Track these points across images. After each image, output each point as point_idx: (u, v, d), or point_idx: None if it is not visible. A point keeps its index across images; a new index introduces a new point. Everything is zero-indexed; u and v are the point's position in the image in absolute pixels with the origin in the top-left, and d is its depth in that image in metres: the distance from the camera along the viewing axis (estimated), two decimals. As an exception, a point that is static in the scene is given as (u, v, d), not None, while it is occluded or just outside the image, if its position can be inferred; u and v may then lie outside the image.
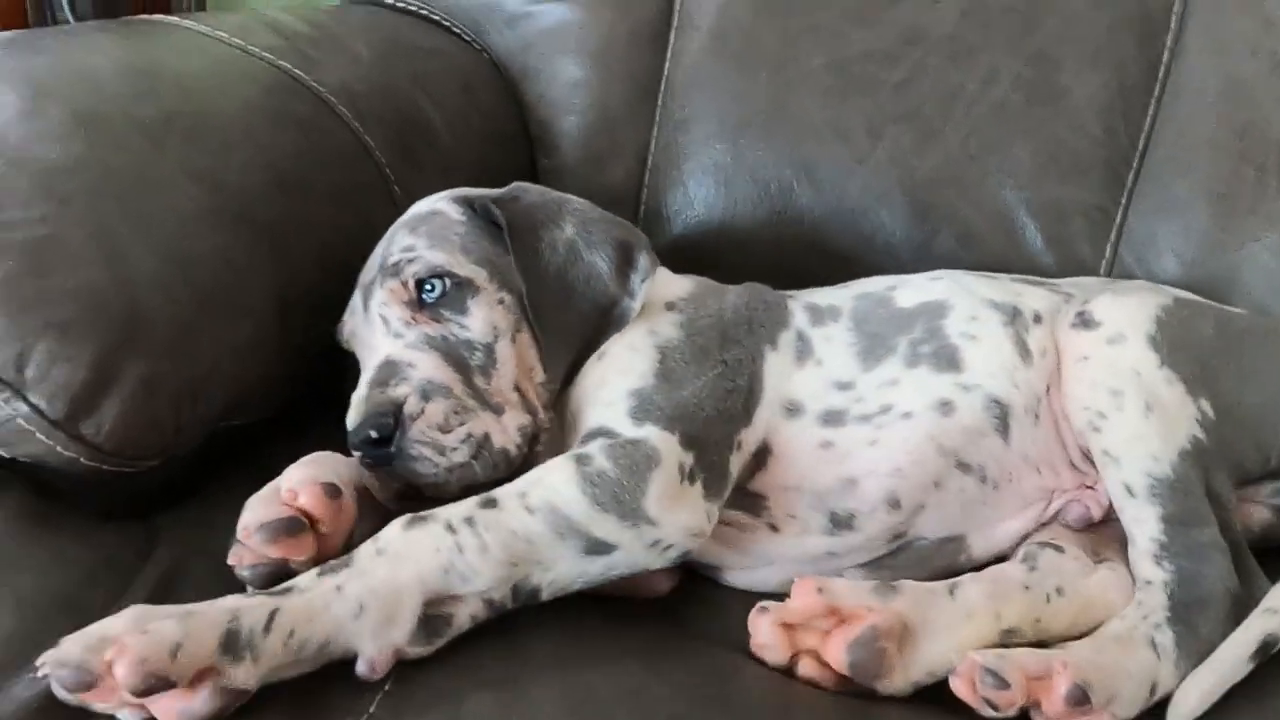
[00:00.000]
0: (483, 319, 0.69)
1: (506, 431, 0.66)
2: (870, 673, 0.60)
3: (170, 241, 0.65)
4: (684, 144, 1.03)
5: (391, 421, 0.61)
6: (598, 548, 0.61)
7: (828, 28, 1.00)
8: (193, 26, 0.87)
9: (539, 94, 1.07)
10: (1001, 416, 0.74)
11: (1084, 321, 0.74)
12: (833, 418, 0.73)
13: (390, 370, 0.64)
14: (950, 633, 0.62)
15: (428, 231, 0.72)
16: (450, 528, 0.58)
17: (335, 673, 0.55)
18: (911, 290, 0.81)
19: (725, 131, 1.01)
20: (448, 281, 0.69)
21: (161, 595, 0.59)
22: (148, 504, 0.67)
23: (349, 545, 0.59)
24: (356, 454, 0.62)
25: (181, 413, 0.63)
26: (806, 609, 0.61)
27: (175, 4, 1.41)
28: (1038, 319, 0.77)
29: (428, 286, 0.69)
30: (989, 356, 0.75)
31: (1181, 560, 0.67)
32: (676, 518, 0.63)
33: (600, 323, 0.72)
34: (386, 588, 0.55)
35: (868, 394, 0.75)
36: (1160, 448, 0.69)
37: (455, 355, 0.67)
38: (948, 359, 0.75)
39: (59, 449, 0.59)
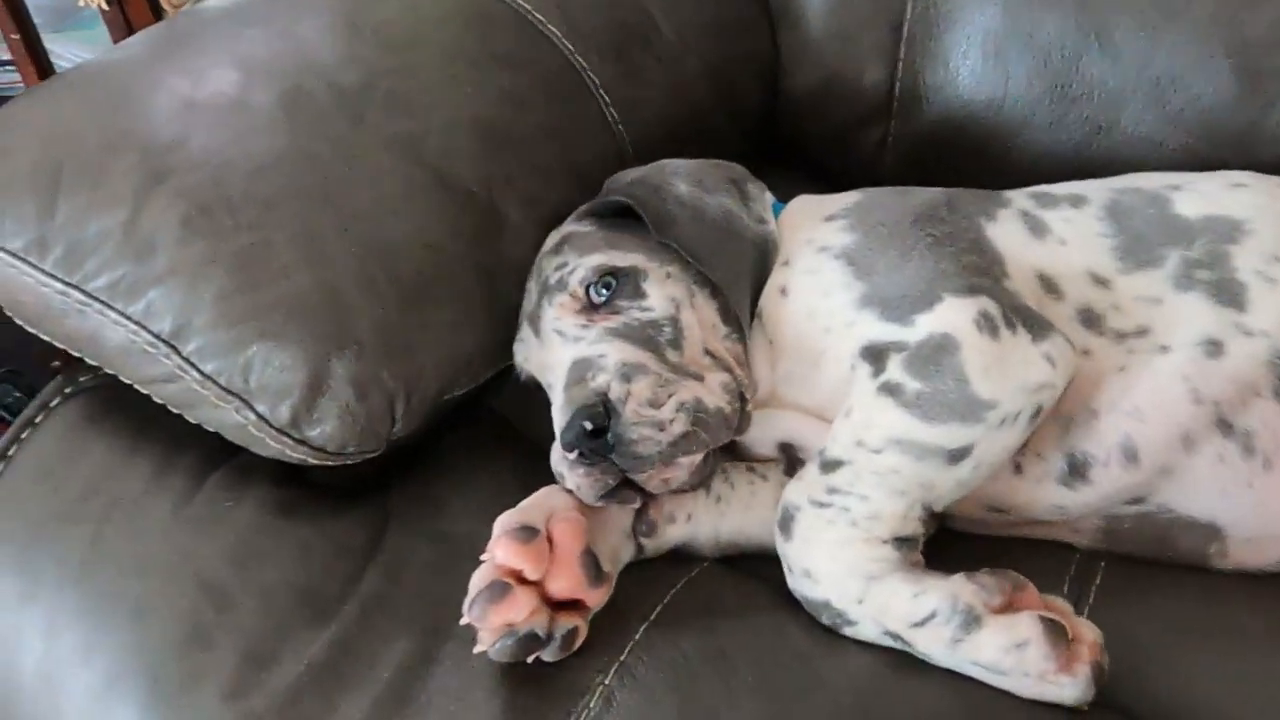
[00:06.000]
0: (660, 295, 0.66)
1: (714, 391, 0.62)
2: None
3: (370, 233, 0.64)
4: (946, 9, 0.88)
5: (602, 410, 0.59)
6: (958, 455, 0.59)
7: None
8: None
9: (780, -40, 0.95)
10: None
11: None
12: (1090, 319, 0.64)
13: (582, 367, 0.61)
14: None
15: (571, 248, 0.69)
16: (820, 503, 0.59)
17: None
18: (1198, 196, 0.67)
19: (995, -6, 0.85)
20: (614, 276, 0.66)
21: (391, 584, 0.63)
22: (381, 471, 0.70)
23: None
24: (570, 455, 0.60)
25: (396, 405, 0.64)
26: None
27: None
28: None
29: (596, 287, 0.66)
30: None
31: None
32: (1009, 384, 0.59)
33: (755, 255, 0.69)
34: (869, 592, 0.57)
35: (1124, 303, 0.64)
36: None
37: (642, 336, 0.64)
38: (1230, 295, 0.62)
39: (289, 451, 0.62)
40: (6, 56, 1.47)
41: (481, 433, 0.75)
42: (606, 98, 0.81)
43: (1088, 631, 0.55)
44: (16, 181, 0.65)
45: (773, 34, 0.95)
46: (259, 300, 0.61)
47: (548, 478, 0.65)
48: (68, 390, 0.74)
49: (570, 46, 0.80)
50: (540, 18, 0.80)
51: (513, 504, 0.64)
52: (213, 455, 0.68)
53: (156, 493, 0.66)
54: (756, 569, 0.65)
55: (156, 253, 0.62)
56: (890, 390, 0.60)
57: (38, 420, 0.72)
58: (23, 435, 0.72)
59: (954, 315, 0.60)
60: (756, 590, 0.64)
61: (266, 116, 0.67)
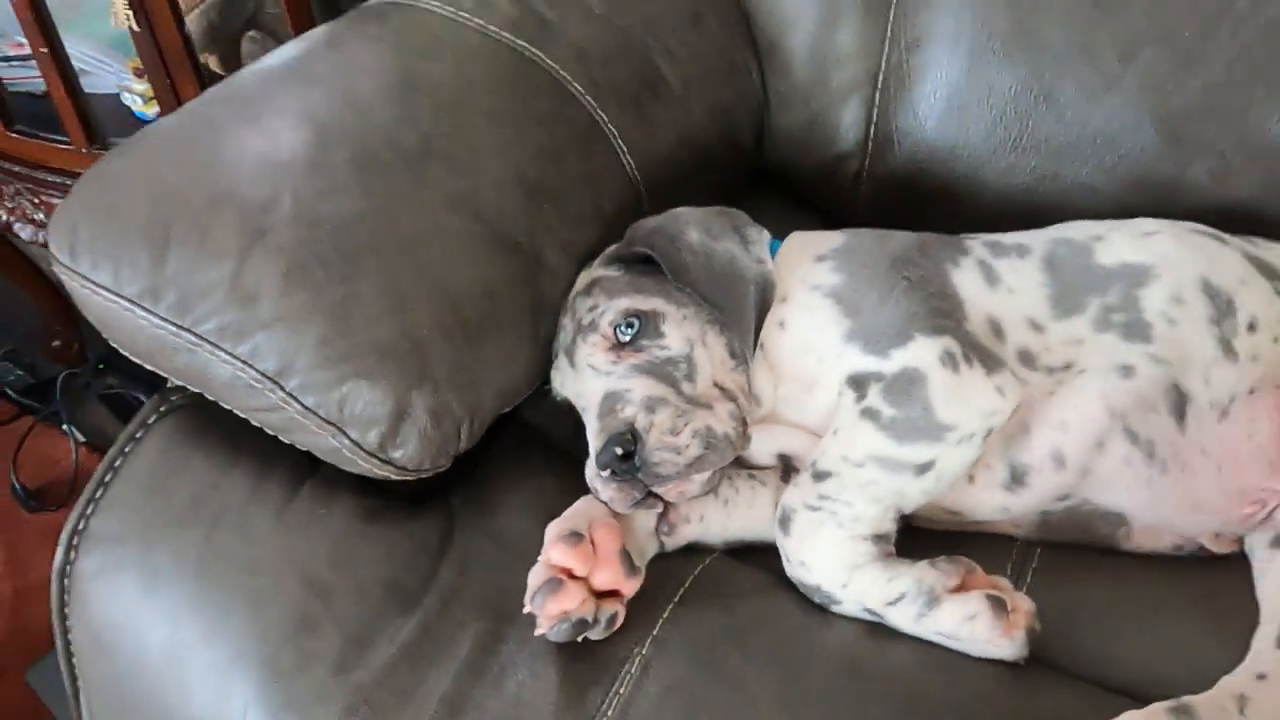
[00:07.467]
0: (677, 335, 0.78)
1: (722, 419, 0.74)
2: None
3: (440, 283, 0.76)
4: (915, 65, 1.00)
5: (630, 437, 0.71)
6: (924, 467, 0.72)
7: (1079, -66, 0.91)
8: (434, 8, 0.93)
9: (769, 10, 1.06)
10: (1179, 402, 0.74)
11: None
12: (1027, 358, 0.77)
13: (613, 400, 0.73)
14: None
15: (602, 290, 0.81)
16: (812, 507, 0.73)
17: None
18: (1117, 246, 0.80)
19: (960, 53, 0.97)
20: (638, 318, 0.77)
21: (462, 577, 0.76)
22: (444, 479, 0.83)
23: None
24: (605, 473, 0.72)
25: (463, 427, 0.76)
26: None
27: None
28: (1253, 326, 0.75)
29: (622, 328, 0.78)
30: (1182, 345, 0.75)
31: None
32: (967, 410, 0.72)
33: (757, 294, 0.80)
34: (852, 579, 0.71)
35: (1054, 344, 0.78)
36: None
37: (661, 373, 0.75)
38: (1139, 331, 0.76)
39: (375, 470, 0.74)
40: (18, 52, 1.54)
41: (522, 441, 0.88)
42: (624, 146, 0.93)
43: (1023, 603, 0.70)
44: (130, 235, 0.75)
45: (763, 78, 1.07)
46: (352, 344, 0.72)
47: (578, 479, 0.77)
48: (163, 409, 0.85)
49: (593, 102, 0.92)
50: (566, 75, 0.91)
51: (552, 504, 0.77)
52: (300, 468, 0.80)
53: (258, 501, 0.78)
54: (758, 559, 0.79)
55: (260, 302, 0.73)
56: (870, 415, 0.73)
57: (139, 435, 0.83)
58: (126, 449, 0.83)
59: (923, 352, 0.73)
60: (759, 576, 0.77)
61: (343, 177, 0.78)
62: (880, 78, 1.02)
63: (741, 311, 0.80)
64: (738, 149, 1.06)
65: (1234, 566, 0.77)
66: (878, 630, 0.72)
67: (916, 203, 1.04)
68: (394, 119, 0.82)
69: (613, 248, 0.86)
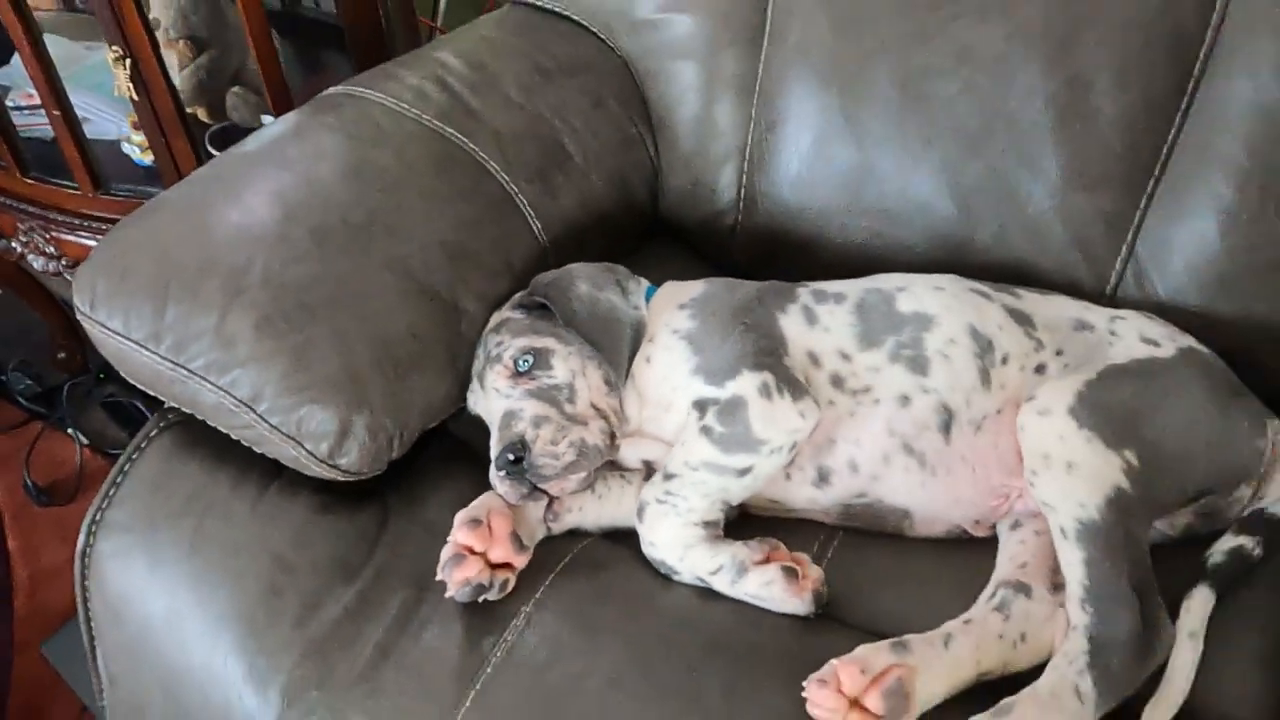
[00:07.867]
0: (563, 368, 0.99)
1: (595, 434, 0.96)
2: (897, 711, 0.81)
3: (377, 330, 0.99)
4: (773, 142, 1.23)
5: (521, 445, 0.94)
6: (743, 471, 0.94)
7: (893, 45, 1.14)
8: (381, 100, 1.16)
9: (659, 93, 1.29)
10: (946, 420, 0.97)
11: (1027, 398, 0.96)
12: (837, 380, 1.00)
13: (509, 417, 0.96)
14: (944, 678, 0.84)
15: (507, 330, 1.03)
16: (659, 500, 0.95)
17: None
18: (913, 297, 1.03)
19: (806, 133, 1.20)
20: (533, 354, 1.00)
21: (394, 556, 0.98)
22: (381, 481, 1.05)
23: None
24: (500, 472, 0.95)
25: (395, 440, 0.99)
26: (857, 685, 0.81)
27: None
28: (1005, 360, 0.98)
29: (520, 361, 0.99)
30: (952, 375, 0.98)
31: (1101, 604, 0.83)
32: (777, 429, 0.94)
33: (631, 333, 1.01)
34: (685, 555, 0.94)
35: (859, 371, 1.00)
36: (1086, 497, 0.87)
37: (548, 397, 0.97)
38: (920, 366, 0.99)
39: (326, 473, 0.97)
40: (29, 103, 1.76)
41: (446, 449, 1.10)
42: (532, 212, 1.15)
43: (813, 572, 0.93)
44: (138, 292, 0.98)
45: (655, 148, 1.30)
46: (308, 378, 0.95)
47: (487, 481, 1.00)
48: (162, 424, 1.07)
49: (506, 177, 1.14)
50: (485, 156, 1.14)
51: (468, 500, 0.99)
52: (270, 471, 1.03)
53: (238, 497, 1.00)
54: (623, 540, 1.01)
55: (238, 345, 0.95)
56: (706, 431, 0.96)
57: (143, 446, 1.06)
58: (134, 456, 1.05)
59: (746, 384, 0.95)
60: (622, 553, 0.99)
61: (304, 247, 1.00)
62: (747, 150, 1.25)
63: (616, 349, 1.02)
64: (634, 208, 1.29)
65: (987, 545, 1.00)
66: (706, 593, 0.95)
67: (780, 253, 1.26)
68: (347, 199, 1.05)
69: (519, 294, 1.09)
